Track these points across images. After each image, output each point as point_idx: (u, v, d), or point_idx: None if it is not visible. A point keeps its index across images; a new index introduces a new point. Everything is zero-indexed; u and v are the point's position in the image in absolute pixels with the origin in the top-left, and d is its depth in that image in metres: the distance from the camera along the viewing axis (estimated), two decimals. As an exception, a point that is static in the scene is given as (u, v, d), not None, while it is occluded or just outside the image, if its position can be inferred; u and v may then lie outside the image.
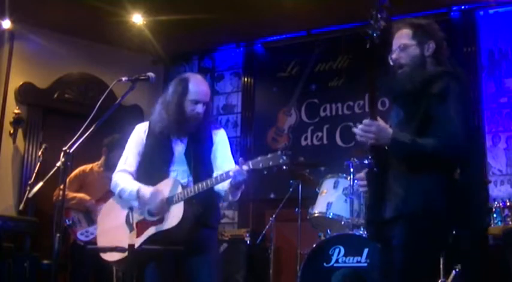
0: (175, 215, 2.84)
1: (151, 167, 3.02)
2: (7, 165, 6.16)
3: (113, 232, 3.05)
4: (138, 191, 2.93)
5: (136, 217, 3.00)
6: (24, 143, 6.27)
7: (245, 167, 2.79)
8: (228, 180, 2.86)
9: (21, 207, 4.59)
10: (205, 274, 2.95)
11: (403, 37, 2.55)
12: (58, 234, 2.62)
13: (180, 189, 2.88)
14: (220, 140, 3.12)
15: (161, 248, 2.89)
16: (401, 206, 2.37)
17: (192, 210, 2.87)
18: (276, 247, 5.64)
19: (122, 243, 2.92)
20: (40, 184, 3.29)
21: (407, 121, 2.42)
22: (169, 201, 2.89)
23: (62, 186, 2.71)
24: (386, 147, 2.38)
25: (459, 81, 2.40)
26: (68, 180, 3.52)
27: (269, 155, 2.80)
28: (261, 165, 2.79)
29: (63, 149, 2.71)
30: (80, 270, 4.78)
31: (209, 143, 3.09)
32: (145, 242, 2.90)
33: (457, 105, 2.34)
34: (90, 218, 4.79)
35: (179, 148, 3.03)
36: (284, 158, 2.77)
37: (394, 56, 2.56)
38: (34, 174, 4.67)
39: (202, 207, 2.93)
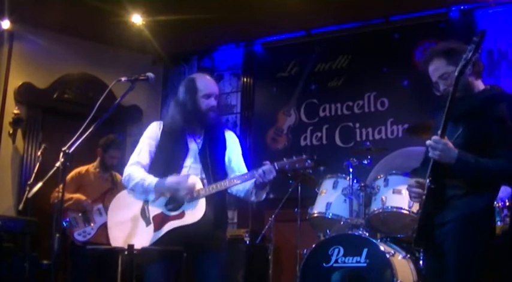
0: (198, 209, 2.85)
1: (166, 161, 3.03)
2: (7, 166, 6.16)
3: (127, 225, 2.99)
4: (158, 182, 2.92)
5: (153, 210, 2.96)
6: (24, 143, 6.27)
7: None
8: (250, 181, 2.95)
9: (20, 207, 4.58)
10: (216, 274, 2.96)
11: (440, 68, 2.67)
12: (58, 234, 2.62)
13: (200, 186, 2.90)
14: (234, 142, 3.20)
15: (160, 248, 2.88)
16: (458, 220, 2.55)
17: (211, 208, 2.88)
18: (276, 247, 5.64)
19: (138, 236, 2.91)
20: (39, 184, 3.29)
21: (467, 140, 2.56)
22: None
23: (61, 187, 2.71)
24: (452, 166, 2.50)
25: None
26: (64, 182, 3.52)
27: (294, 158, 2.90)
28: (287, 166, 2.90)
29: (63, 149, 2.71)
30: (79, 270, 4.79)
31: (223, 142, 3.15)
32: (164, 236, 2.87)
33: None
34: (87, 218, 4.79)
35: (193, 145, 3.07)
36: (310, 162, 2.89)
37: (441, 88, 2.68)
38: (33, 174, 4.66)
39: (220, 207, 2.98)
